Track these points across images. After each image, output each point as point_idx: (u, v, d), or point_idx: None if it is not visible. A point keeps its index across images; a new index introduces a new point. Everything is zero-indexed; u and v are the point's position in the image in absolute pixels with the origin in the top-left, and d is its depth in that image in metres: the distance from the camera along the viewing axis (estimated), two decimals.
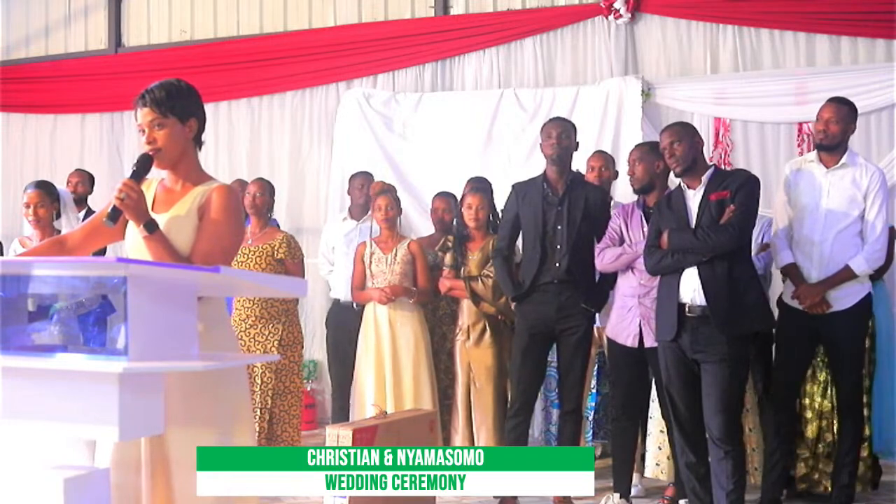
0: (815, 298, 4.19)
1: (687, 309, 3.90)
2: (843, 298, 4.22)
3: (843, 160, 4.27)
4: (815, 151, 4.37)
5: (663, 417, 4.46)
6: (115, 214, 2.59)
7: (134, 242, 2.68)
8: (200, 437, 2.48)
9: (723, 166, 5.78)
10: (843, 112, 4.28)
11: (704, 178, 4.00)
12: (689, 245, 3.91)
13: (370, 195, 5.52)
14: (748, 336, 3.97)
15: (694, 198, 4.01)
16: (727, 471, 3.86)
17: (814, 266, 4.22)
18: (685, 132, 4.06)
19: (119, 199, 2.56)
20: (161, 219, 2.65)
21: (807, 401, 4.51)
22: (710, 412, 3.88)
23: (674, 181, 4.40)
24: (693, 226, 3.95)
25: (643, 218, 4.43)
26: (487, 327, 5.04)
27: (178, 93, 2.70)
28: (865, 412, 4.49)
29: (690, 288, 3.90)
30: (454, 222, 5.36)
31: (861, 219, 4.23)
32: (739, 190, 3.92)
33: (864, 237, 4.23)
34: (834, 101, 4.35)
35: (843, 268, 4.19)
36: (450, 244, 5.21)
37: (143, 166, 2.65)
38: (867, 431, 4.51)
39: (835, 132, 4.25)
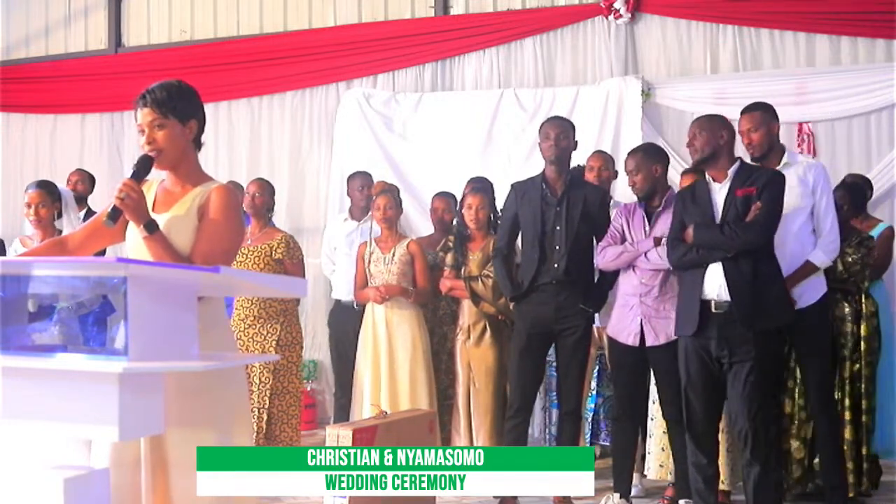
0: None
1: (713, 305, 3.88)
2: (805, 294, 4.23)
3: (785, 160, 4.29)
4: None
5: (664, 418, 4.45)
6: (115, 214, 2.59)
7: (134, 243, 2.68)
8: (199, 437, 2.48)
9: None
10: (756, 117, 4.29)
11: (731, 171, 3.98)
12: (716, 241, 3.88)
13: (371, 195, 5.53)
14: (774, 332, 3.95)
15: (720, 192, 3.99)
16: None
17: None
18: (708, 123, 4.04)
19: (119, 200, 2.55)
20: (161, 219, 2.65)
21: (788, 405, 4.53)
22: (738, 410, 3.86)
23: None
24: (718, 220, 3.93)
25: (645, 217, 4.43)
26: (488, 327, 5.03)
27: (179, 94, 2.70)
28: (865, 413, 4.50)
29: (716, 284, 3.88)
30: (454, 222, 5.36)
31: (812, 214, 4.25)
32: (766, 187, 3.90)
33: (817, 231, 4.25)
34: (745, 110, 4.36)
35: (804, 263, 4.21)
36: (450, 244, 5.21)
37: (143, 167, 2.65)
38: (866, 431, 4.52)
39: (759, 140, 4.27)
